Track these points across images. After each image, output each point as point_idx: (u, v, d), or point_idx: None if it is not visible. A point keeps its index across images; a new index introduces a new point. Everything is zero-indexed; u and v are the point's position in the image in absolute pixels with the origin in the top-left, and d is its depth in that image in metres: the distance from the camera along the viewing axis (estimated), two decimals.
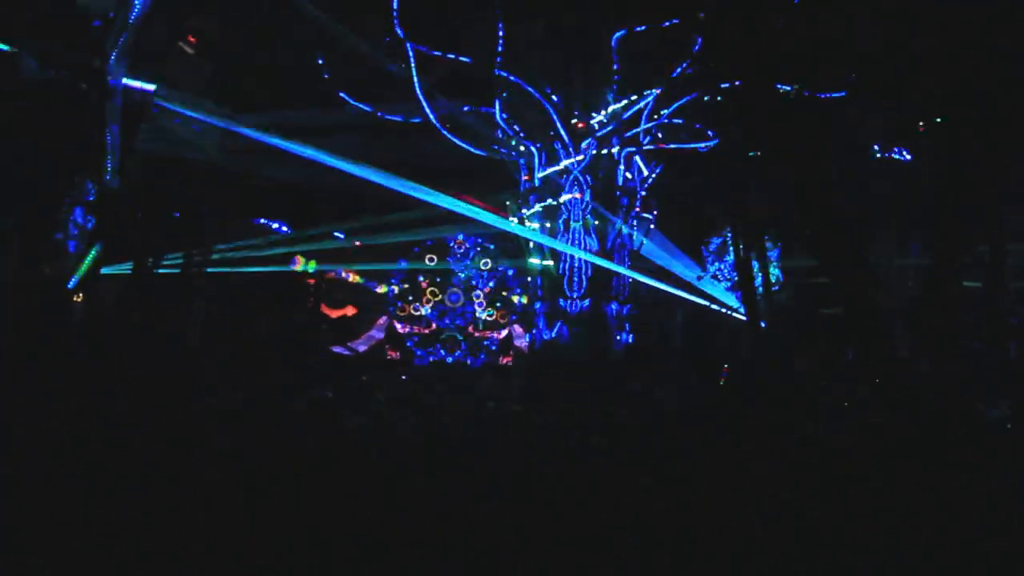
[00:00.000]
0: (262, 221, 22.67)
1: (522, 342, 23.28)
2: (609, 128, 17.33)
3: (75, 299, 13.11)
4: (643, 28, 15.68)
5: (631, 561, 4.24)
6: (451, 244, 24.07)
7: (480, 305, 24.18)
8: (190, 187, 19.39)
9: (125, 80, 12.63)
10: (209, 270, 19.90)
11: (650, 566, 4.24)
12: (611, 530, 4.47)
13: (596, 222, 17.76)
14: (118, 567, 4.14)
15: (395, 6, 15.63)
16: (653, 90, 16.78)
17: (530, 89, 16.83)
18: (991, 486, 4.19)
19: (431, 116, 16.88)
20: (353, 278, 23.60)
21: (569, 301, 17.82)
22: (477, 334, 24.14)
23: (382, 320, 23.89)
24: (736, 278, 16.94)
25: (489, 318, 24.24)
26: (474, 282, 24.31)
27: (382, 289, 23.99)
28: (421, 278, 24.21)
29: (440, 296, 24.14)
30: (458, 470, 5.98)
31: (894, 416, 6.05)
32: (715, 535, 4.26)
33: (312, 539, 4.42)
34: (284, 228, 23.15)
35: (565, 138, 17.35)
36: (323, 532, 4.40)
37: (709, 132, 17.22)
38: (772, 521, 4.37)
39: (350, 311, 23.57)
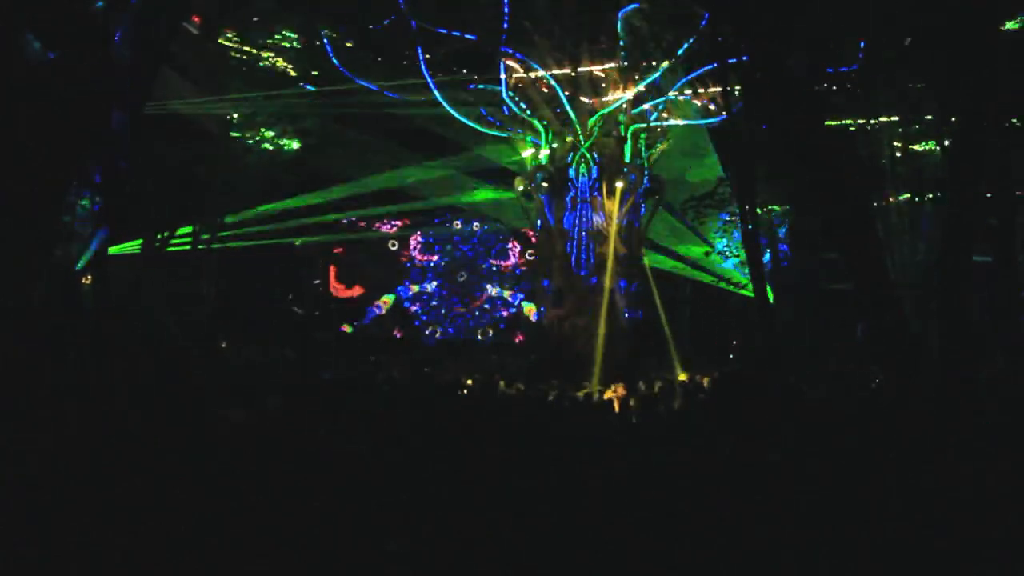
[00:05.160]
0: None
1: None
2: (616, 104, 17.17)
3: (84, 280, 13.18)
4: (649, 3, 15.49)
5: (645, 550, 4.25)
6: (458, 222, 24.03)
7: (488, 283, 24.18)
8: (197, 165, 19.40)
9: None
10: (218, 246, 19.97)
11: (664, 555, 4.25)
12: (624, 518, 4.47)
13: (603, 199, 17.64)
14: (119, 567, 4.14)
15: None
16: (660, 66, 16.59)
17: (536, 65, 16.71)
18: (991, 482, 4.16)
19: (436, 94, 16.76)
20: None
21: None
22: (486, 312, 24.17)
23: (384, 298, 23.86)
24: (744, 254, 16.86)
25: (498, 295, 24.24)
26: (480, 260, 24.28)
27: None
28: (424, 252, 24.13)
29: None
30: (465, 454, 5.98)
31: (904, 401, 6.02)
32: (724, 526, 4.26)
33: (311, 536, 4.42)
34: None
35: (571, 115, 17.20)
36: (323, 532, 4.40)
37: (715, 107, 17.05)
38: (777, 512, 4.37)
39: (357, 291, 23.60)
